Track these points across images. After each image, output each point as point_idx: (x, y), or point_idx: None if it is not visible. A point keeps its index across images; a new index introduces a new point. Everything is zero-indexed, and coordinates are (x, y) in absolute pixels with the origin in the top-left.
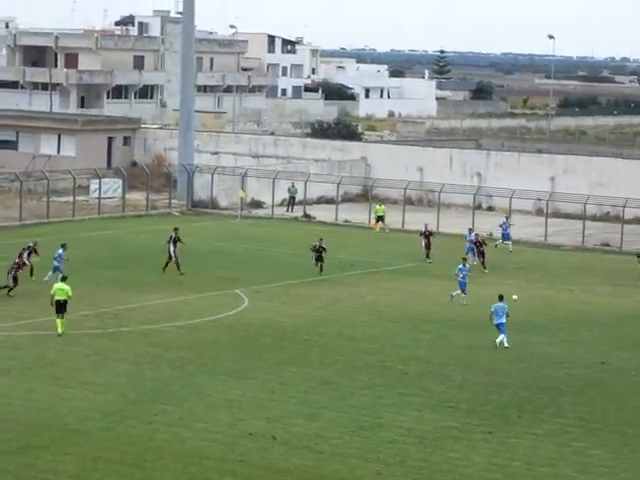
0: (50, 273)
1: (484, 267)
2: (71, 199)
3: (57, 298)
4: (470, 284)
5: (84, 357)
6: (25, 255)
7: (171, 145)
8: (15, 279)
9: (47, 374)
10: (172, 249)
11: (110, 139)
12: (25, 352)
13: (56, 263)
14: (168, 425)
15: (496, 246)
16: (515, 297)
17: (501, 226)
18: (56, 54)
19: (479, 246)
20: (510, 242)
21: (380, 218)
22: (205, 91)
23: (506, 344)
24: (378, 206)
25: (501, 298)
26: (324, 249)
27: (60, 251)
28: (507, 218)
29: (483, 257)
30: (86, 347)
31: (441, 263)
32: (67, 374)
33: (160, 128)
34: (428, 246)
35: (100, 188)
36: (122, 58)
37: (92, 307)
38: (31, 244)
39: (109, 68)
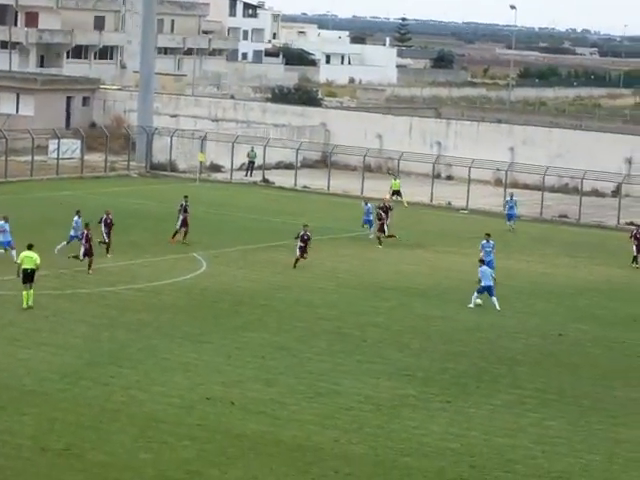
0: (64, 243)
1: (379, 241)
2: (29, 159)
3: (24, 267)
4: (427, 253)
5: (42, 318)
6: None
7: (130, 107)
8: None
9: (4, 335)
10: (182, 217)
11: (69, 99)
12: None
13: (73, 232)
14: (124, 388)
15: (511, 229)
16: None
17: (505, 205)
18: (16, 12)
19: (380, 219)
20: (512, 222)
21: (396, 192)
22: (165, 53)
23: (497, 307)
24: (393, 180)
25: (482, 262)
26: (309, 238)
27: (76, 218)
28: (512, 196)
29: (383, 231)
30: (44, 308)
31: (400, 231)
32: (25, 335)
33: (120, 89)
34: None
35: (59, 148)
36: (83, 18)
37: (50, 268)
38: (105, 215)
39: (69, 28)
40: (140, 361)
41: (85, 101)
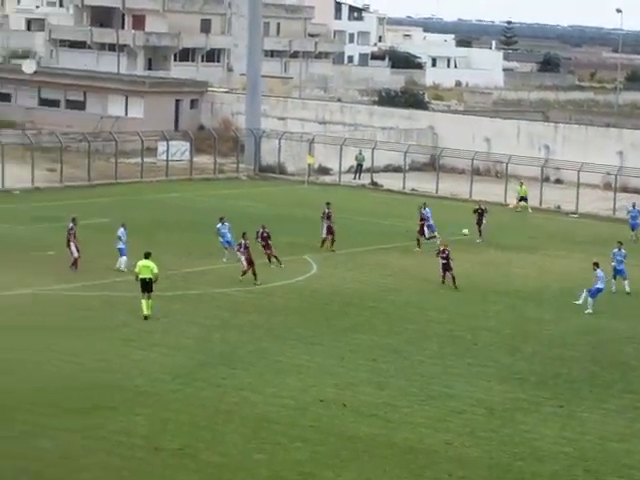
0: (226, 252)
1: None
2: (139, 160)
3: (142, 276)
4: (537, 256)
5: (154, 319)
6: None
7: (238, 109)
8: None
9: (118, 336)
10: (327, 225)
11: (177, 102)
12: (96, 313)
13: (222, 239)
14: (237, 389)
15: (633, 238)
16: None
17: (628, 213)
18: (123, 15)
19: (421, 219)
20: (635, 231)
21: (523, 199)
22: (272, 56)
23: (580, 301)
24: (519, 187)
25: (597, 265)
26: (448, 255)
27: (219, 225)
28: (634, 205)
29: (422, 233)
30: (156, 310)
31: (509, 234)
32: (137, 336)
33: (227, 92)
34: (479, 223)
35: (168, 150)
36: (189, 21)
37: (161, 270)
38: (261, 229)
39: (176, 31)
40: (252, 363)
41: (193, 104)
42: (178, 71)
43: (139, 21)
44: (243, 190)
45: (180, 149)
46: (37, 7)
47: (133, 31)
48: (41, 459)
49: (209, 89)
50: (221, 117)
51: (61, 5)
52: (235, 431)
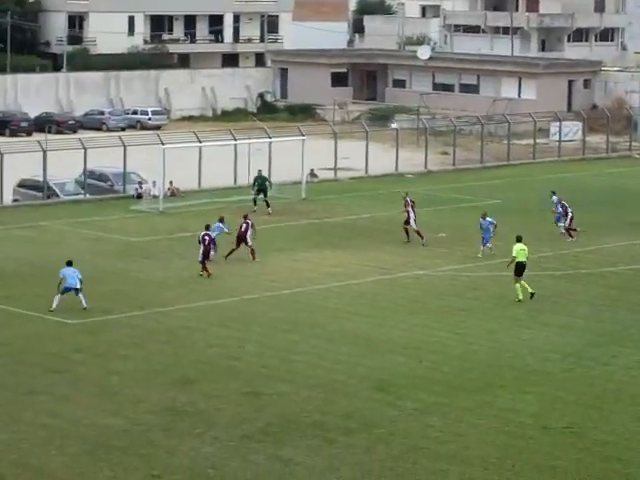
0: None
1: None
2: (531, 142)
3: (519, 260)
4: None
5: (543, 298)
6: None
7: (632, 88)
8: None
9: (507, 315)
10: None
11: (570, 82)
12: (485, 292)
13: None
14: (626, 368)
15: None
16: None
17: None
18: None
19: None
20: None
21: None
22: None
23: None
24: None
25: None
26: None
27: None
28: None
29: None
30: (545, 289)
31: None
32: (526, 315)
33: (620, 71)
34: None
35: (560, 131)
36: (583, 1)
37: (552, 248)
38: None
39: (570, 11)
40: None
41: (586, 83)
42: (571, 51)
43: (533, 3)
44: (636, 168)
45: (572, 129)
46: None
47: (527, 13)
48: (432, 436)
49: (602, 68)
50: (614, 96)
51: None
52: (623, 410)
